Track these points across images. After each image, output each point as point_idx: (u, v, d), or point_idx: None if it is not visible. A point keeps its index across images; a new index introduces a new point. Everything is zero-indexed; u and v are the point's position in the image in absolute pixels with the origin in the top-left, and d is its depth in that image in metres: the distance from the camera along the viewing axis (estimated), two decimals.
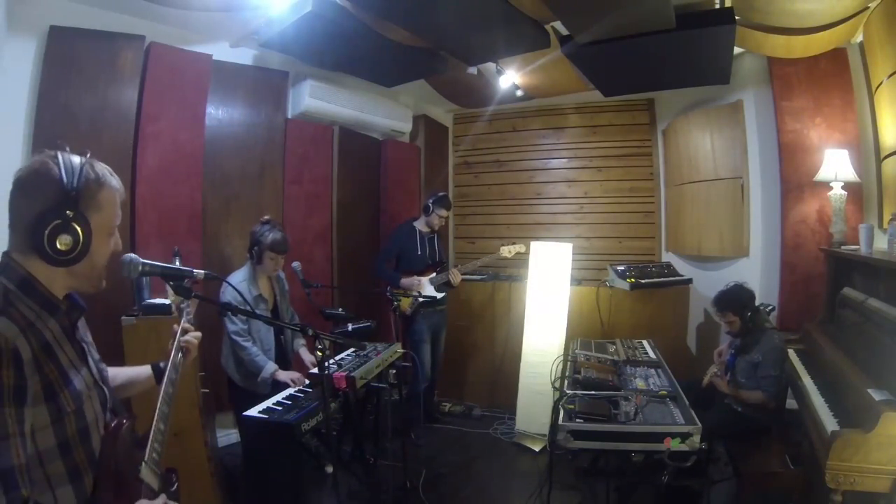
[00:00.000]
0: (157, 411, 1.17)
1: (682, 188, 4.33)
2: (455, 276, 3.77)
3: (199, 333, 1.38)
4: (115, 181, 1.08)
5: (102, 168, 1.07)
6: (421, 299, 3.70)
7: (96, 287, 1.09)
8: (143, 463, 1.07)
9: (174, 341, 1.32)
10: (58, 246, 0.97)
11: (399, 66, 3.66)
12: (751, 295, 2.78)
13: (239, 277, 2.69)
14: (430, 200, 3.81)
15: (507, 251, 3.84)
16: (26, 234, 0.98)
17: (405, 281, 3.76)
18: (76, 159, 1.02)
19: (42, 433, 0.92)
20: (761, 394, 2.55)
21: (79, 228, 0.99)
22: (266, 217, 2.78)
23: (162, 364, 1.31)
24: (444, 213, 3.82)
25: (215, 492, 2.51)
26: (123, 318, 2.38)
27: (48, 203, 0.97)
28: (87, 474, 0.99)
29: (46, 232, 0.96)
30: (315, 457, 2.98)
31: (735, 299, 2.77)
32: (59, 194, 0.98)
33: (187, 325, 1.36)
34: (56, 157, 1.01)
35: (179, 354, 1.31)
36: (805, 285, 3.39)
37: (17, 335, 0.91)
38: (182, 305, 1.50)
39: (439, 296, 3.80)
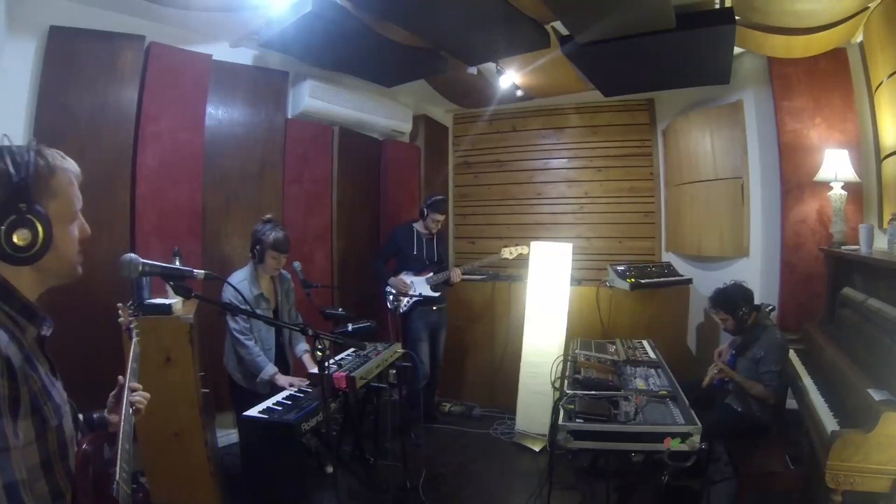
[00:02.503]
0: (120, 432, 1.12)
1: (682, 188, 4.32)
2: (455, 275, 3.79)
3: (147, 395, 1.29)
4: (67, 163, 1.01)
5: (52, 153, 0.99)
6: (416, 298, 3.70)
7: (71, 276, 1.02)
8: (116, 482, 1.03)
9: (120, 391, 1.23)
10: (16, 242, 0.90)
11: (399, 66, 3.66)
12: (745, 294, 2.77)
13: (240, 277, 2.70)
14: (425, 205, 3.81)
15: (508, 252, 3.85)
16: None
17: (392, 280, 3.77)
18: (21, 149, 0.95)
19: (27, 449, 0.86)
20: (763, 388, 2.55)
21: (35, 220, 0.92)
22: (267, 216, 2.79)
23: (96, 416, 1.23)
24: (438, 217, 3.80)
25: (215, 492, 2.50)
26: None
27: None
28: (67, 492, 0.94)
29: (2, 230, 0.89)
30: (315, 457, 2.97)
31: (726, 299, 2.77)
32: (9, 188, 0.91)
33: (136, 385, 1.26)
34: None
35: (131, 410, 1.23)
36: (805, 285, 3.38)
37: (8, 343, 0.86)
38: (131, 326, 1.43)
39: (435, 295, 3.80)
